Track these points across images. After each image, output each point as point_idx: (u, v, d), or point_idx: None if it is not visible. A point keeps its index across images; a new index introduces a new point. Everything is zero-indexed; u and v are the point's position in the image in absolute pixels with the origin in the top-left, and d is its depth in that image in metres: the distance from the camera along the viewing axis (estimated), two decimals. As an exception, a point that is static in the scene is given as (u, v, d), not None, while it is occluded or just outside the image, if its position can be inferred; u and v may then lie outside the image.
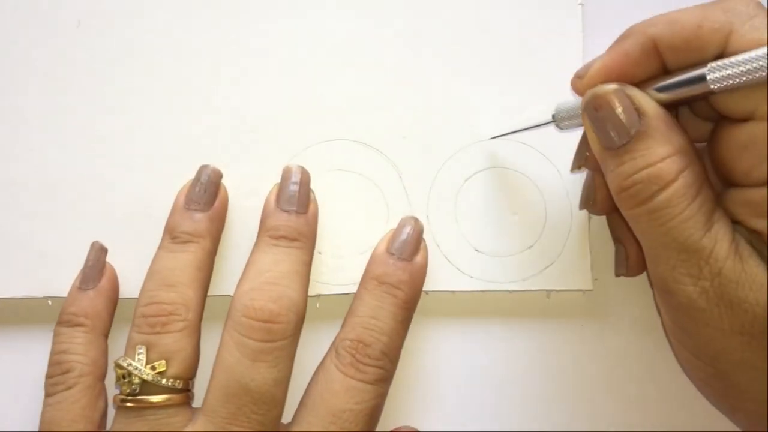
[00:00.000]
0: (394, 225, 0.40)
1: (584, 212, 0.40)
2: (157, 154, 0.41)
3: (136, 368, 0.36)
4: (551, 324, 0.41)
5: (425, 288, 0.39)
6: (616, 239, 0.40)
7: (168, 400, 0.36)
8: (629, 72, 0.32)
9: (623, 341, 0.41)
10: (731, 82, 0.30)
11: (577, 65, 0.40)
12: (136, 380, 0.36)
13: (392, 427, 0.40)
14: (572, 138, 0.38)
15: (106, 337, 0.40)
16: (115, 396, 0.37)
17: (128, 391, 0.36)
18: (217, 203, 0.39)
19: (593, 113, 0.33)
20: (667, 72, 0.32)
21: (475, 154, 0.41)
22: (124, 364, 0.36)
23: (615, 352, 0.41)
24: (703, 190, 0.31)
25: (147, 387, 0.36)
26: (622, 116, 0.32)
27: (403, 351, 0.38)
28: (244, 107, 0.41)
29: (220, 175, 0.40)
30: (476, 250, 0.40)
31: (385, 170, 0.41)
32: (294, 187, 0.39)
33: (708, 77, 0.30)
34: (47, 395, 0.38)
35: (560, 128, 0.36)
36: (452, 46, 0.42)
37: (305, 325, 0.38)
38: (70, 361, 0.38)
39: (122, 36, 0.42)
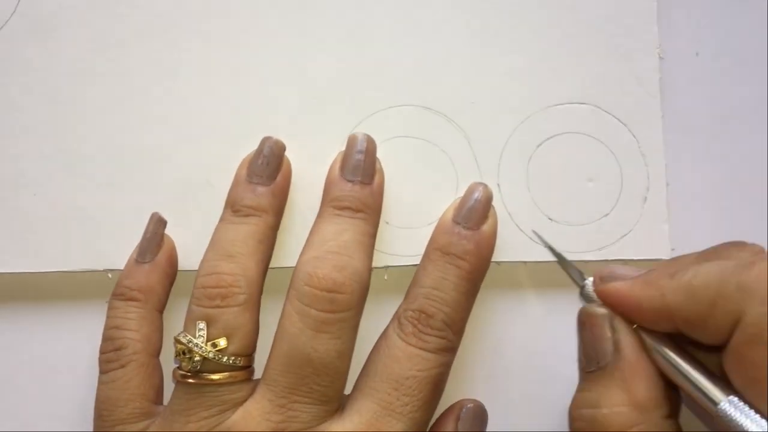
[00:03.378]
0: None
1: (663, 178, 0.39)
2: (218, 124, 0.40)
3: (197, 345, 0.35)
4: (628, 295, 0.39)
5: (496, 258, 0.38)
6: None
7: (229, 377, 0.35)
8: (640, 318, 0.31)
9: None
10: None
11: (650, 33, 0.39)
12: (197, 357, 0.35)
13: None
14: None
15: (161, 312, 0.39)
16: (174, 370, 0.36)
17: (189, 367, 0.35)
18: (279, 177, 0.38)
19: (579, 329, 0.32)
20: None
21: (547, 119, 0.40)
22: (184, 341, 0.35)
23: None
24: None
25: (208, 364, 0.35)
26: (596, 344, 0.31)
27: (472, 323, 0.37)
28: (308, 74, 0.40)
29: (283, 148, 0.39)
30: (549, 219, 0.39)
31: (454, 137, 0.40)
32: (359, 156, 0.38)
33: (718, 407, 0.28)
34: (101, 372, 0.37)
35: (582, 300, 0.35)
36: (522, 10, 0.40)
37: (373, 297, 0.37)
38: (123, 338, 0.37)
39: (183, 3, 0.41)
